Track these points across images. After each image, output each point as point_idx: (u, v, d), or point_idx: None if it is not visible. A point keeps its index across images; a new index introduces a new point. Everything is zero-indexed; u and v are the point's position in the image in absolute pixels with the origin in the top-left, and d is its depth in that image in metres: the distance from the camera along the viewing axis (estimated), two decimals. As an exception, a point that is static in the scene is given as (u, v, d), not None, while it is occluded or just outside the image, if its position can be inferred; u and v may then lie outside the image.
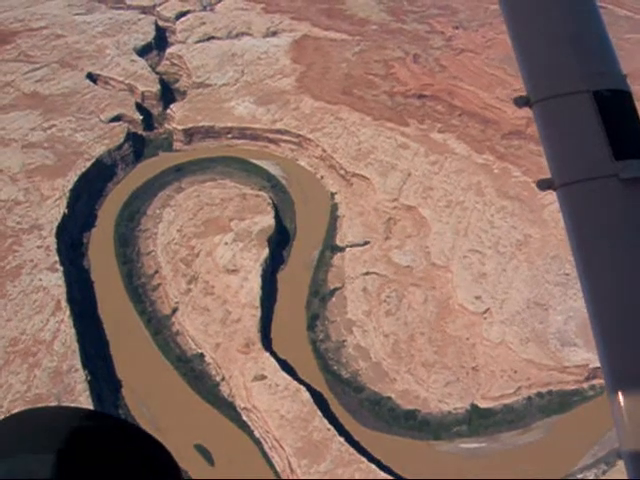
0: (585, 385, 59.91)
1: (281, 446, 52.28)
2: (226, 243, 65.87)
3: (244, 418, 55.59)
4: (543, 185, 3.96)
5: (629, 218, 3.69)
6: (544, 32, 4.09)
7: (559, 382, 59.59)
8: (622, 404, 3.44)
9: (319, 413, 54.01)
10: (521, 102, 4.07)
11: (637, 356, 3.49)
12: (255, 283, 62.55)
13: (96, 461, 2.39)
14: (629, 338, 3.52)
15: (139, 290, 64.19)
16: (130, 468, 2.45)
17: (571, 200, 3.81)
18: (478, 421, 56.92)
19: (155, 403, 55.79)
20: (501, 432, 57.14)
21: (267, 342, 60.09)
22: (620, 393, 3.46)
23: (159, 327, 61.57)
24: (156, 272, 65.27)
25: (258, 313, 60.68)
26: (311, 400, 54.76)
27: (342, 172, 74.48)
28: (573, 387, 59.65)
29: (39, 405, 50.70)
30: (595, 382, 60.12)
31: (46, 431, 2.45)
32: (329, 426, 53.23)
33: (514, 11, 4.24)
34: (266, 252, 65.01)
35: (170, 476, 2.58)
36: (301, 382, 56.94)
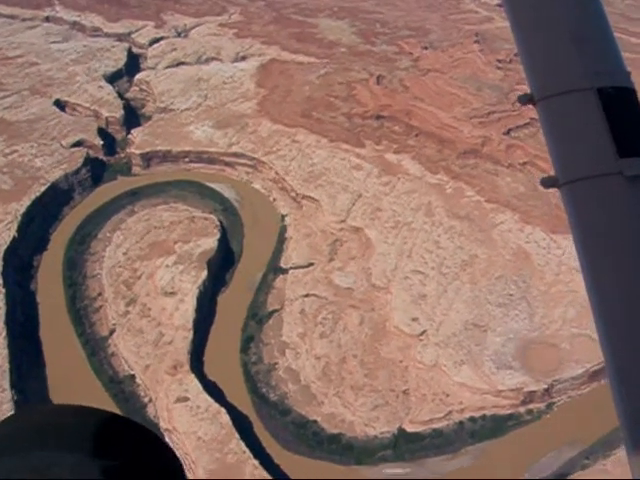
0: (521, 409, 58.53)
1: (196, 467, 52.29)
2: (167, 266, 66.52)
3: (166, 440, 55.69)
4: (547, 183, 3.91)
5: (633, 216, 3.67)
6: (548, 29, 4.07)
7: (493, 406, 58.30)
8: (626, 402, 3.39)
9: (237, 435, 53.89)
10: (525, 100, 4.04)
11: None
12: (190, 305, 62.93)
13: (115, 461, 2.38)
14: (634, 336, 3.46)
15: (81, 312, 65.06)
16: (145, 470, 2.47)
17: (575, 198, 3.77)
18: (405, 446, 56.00)
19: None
20: (428, 457, 56.06)
21: (199, 364, 60.31)
22: (624, 390, 3.41)
23: (96, 348, 62.27)
24: (99, 295, 66.15)
25: (190, 335, 60.98)
26: (230, 422, 54.66)
27: (293, 194, 74.70)
28: (508, 411, 58.31)
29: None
30: (532, 406, 58.76)
31: (64, 429, 2.43)
32: (245, 449, 53.03)
33: (517, 8, 4.22)
34: (205, 274, 65.41)
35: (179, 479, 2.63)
36: (226, 405, 56.92)
